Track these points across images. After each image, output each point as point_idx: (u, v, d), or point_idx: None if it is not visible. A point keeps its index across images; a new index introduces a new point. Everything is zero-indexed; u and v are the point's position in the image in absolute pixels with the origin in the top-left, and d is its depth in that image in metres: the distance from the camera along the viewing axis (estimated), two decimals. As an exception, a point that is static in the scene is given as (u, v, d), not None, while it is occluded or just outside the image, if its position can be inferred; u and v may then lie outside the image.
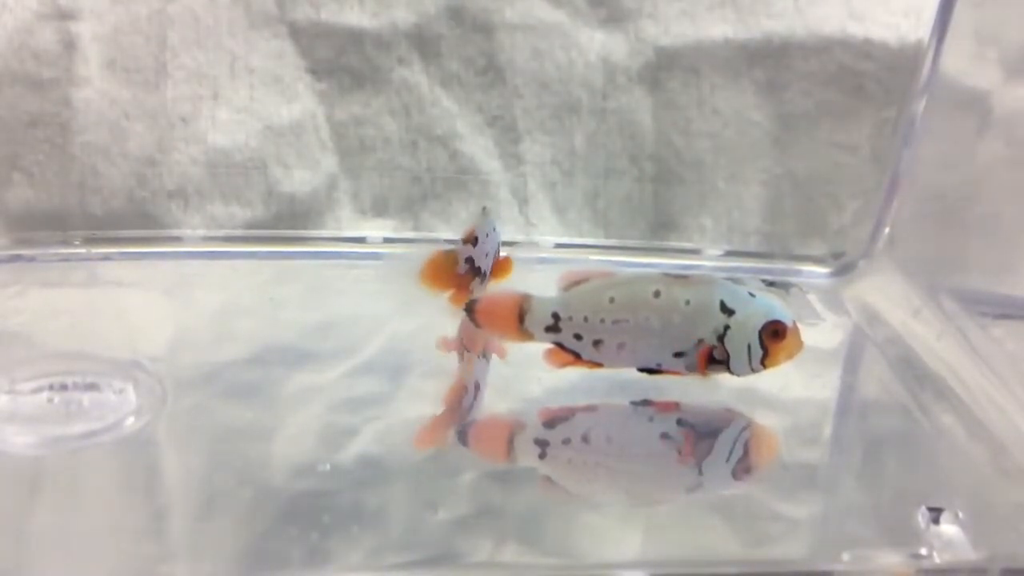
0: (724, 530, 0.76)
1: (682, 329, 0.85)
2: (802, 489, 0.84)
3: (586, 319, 0.86)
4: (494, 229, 1.01)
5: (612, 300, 0.86)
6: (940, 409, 0.95)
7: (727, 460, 0.84)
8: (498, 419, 0.89)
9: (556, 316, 0.87)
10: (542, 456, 0.83)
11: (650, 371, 0.88)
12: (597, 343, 0.87)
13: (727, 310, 0.85)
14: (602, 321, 0.86)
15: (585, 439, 0.86)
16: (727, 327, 0.85)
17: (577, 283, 0.88)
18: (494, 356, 0.95)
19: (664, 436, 0.87)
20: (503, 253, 1.02)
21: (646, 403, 0.89)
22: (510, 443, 0.85)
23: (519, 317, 0.87)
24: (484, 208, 1.04)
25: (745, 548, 0.75)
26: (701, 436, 0.87)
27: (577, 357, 0.88)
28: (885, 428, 0.94)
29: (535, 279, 1.17)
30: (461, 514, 0.76)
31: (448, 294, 0.97)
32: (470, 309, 0.89)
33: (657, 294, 0.85)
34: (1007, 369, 0.95)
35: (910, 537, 0.75)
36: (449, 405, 0.88)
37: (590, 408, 0.90)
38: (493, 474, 0.81)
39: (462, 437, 0.85)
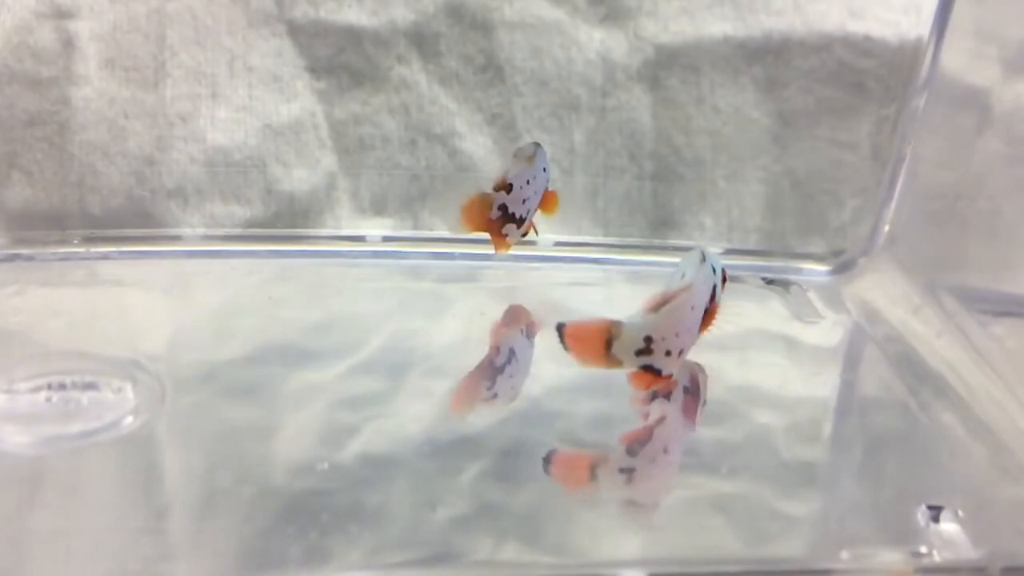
0: (724, 529, 0.76)
1: None
2: (802, 487, 0.84)
3: (677, 335, 0.85)
4: (534, 176, 1.02)
5: (693, 308, 0.86)
6: (940, 407, 0.95)
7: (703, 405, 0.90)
8: (580, 454, 0.87)
9: (649, 339, 0.84)
10: (628, 482, 0.81)
11: None
12: (681, 353, 0.86)
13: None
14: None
15: (666, 451, 0.85)
16: None
17: (662, 304, 0.85)
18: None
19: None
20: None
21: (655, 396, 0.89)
22: (593, 474, 0.83)
23: (607, 344, 0.84)
24: (519, 149, 1.04)
25: (745, 547, 0.75)
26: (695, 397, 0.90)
27: (658, 375, 0.86)
28: (885, 426, 0.94)
29: (534, 277, 1.18)
30: (461, 513, 0.76)
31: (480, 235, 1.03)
32: (559, 332, 0.85)
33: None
34: (1007, 367, 0.95)
35: (910, 535, 0.75)
36: (480, 364, 0.93)
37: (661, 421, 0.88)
38: (493, 473, 0.81)
39: (546, 466, 0.83)
